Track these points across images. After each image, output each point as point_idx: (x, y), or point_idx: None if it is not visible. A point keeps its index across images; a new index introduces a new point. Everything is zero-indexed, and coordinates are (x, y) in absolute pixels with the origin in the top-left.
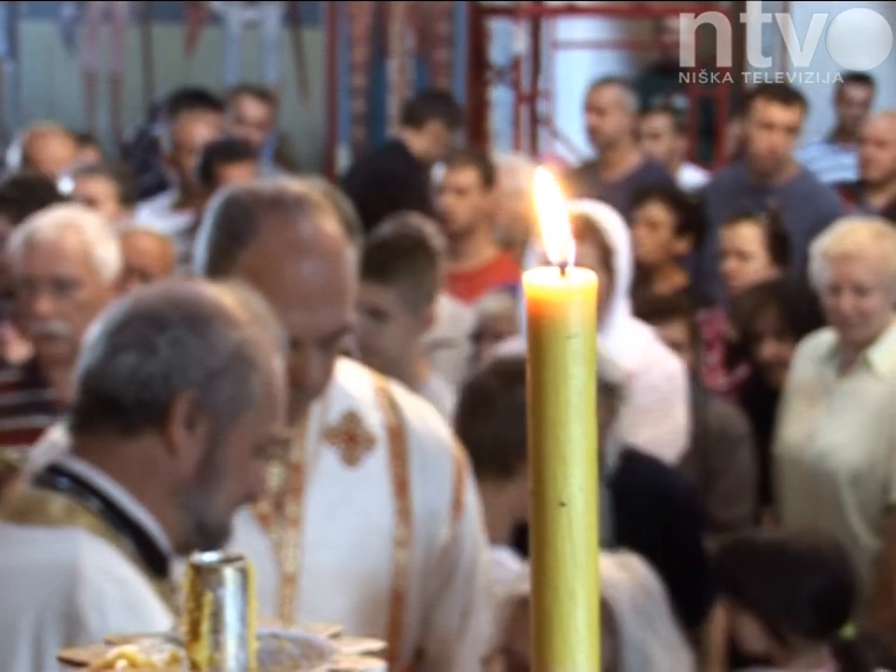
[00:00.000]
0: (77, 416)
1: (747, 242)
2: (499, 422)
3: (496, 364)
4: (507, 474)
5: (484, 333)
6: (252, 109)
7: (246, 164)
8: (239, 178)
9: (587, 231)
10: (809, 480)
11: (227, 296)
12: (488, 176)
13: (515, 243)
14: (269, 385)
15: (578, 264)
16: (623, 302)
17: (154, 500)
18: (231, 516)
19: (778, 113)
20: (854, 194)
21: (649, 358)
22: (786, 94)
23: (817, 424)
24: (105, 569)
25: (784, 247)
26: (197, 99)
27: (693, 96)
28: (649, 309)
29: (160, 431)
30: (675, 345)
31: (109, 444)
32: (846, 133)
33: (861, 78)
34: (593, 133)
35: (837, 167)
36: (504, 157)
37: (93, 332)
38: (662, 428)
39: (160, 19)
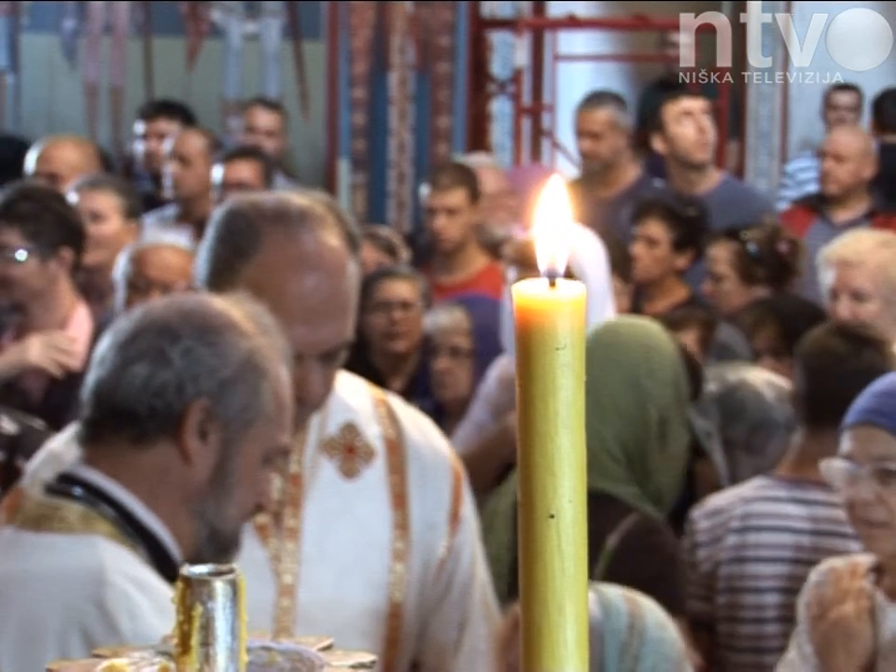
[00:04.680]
0: (89, 428)
1: (717, 264)
2: (849, 382)
3: (839, 329)
4: None
5: (439, 346)
6: (262, 119)
7: (253, 163)
8: (245, 176)
9: None
10: None
11: (234, 307)
12: (475, 193)
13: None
14: (278, 394)
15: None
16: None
17: (167, 509)
18: (242, 526)
19: (690, 102)
20: (815, 209)
21: None
22: (688, 91)
23: None
24: (129, 574)
25: (762, 267)
26: (169, 110)
27: None
28: (663, 322)
29: (173, 440)
30: None
31: (121, 454)
32: None
33: (847, 86)
34: (587, 158)
35: None
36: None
37: (102, 346)
38: None
39: (160, 31)
